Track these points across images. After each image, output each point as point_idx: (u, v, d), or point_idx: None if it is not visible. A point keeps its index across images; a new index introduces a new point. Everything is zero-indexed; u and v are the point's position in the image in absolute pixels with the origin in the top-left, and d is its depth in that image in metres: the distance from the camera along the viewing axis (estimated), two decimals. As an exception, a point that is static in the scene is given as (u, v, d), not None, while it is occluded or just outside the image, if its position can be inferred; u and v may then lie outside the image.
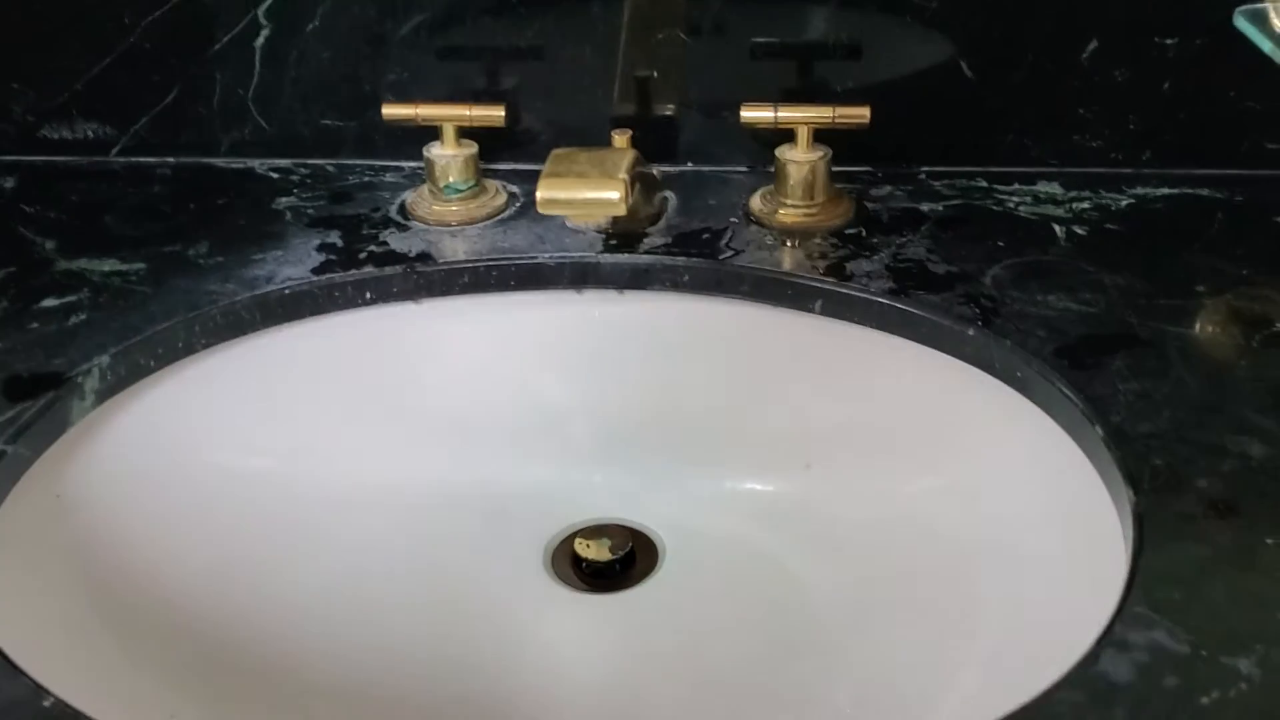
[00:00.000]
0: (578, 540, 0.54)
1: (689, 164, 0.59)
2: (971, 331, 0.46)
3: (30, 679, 0.32)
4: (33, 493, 0.43)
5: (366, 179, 0.60)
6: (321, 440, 0.53)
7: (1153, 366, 0.43)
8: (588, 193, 0.46)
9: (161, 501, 0.47)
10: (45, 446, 0.44)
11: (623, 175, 0.46)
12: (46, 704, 0.31)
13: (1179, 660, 0.32)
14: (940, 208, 0.55)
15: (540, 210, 0.47)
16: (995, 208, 0.55)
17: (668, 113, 0.59)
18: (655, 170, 0.56)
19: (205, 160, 0.62)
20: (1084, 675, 0.31)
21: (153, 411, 0.48)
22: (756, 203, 0.56)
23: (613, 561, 0.53)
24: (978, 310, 0.47)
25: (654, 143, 0.57)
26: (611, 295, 0.53)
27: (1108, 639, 0.32)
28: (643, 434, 0.55)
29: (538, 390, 0.55)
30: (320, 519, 0.51)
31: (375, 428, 0.54)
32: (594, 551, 0.53)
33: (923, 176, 0.58)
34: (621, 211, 0.46)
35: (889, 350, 0.49)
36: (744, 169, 0.59)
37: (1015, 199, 0.56)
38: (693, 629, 0.50)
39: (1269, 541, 0.35)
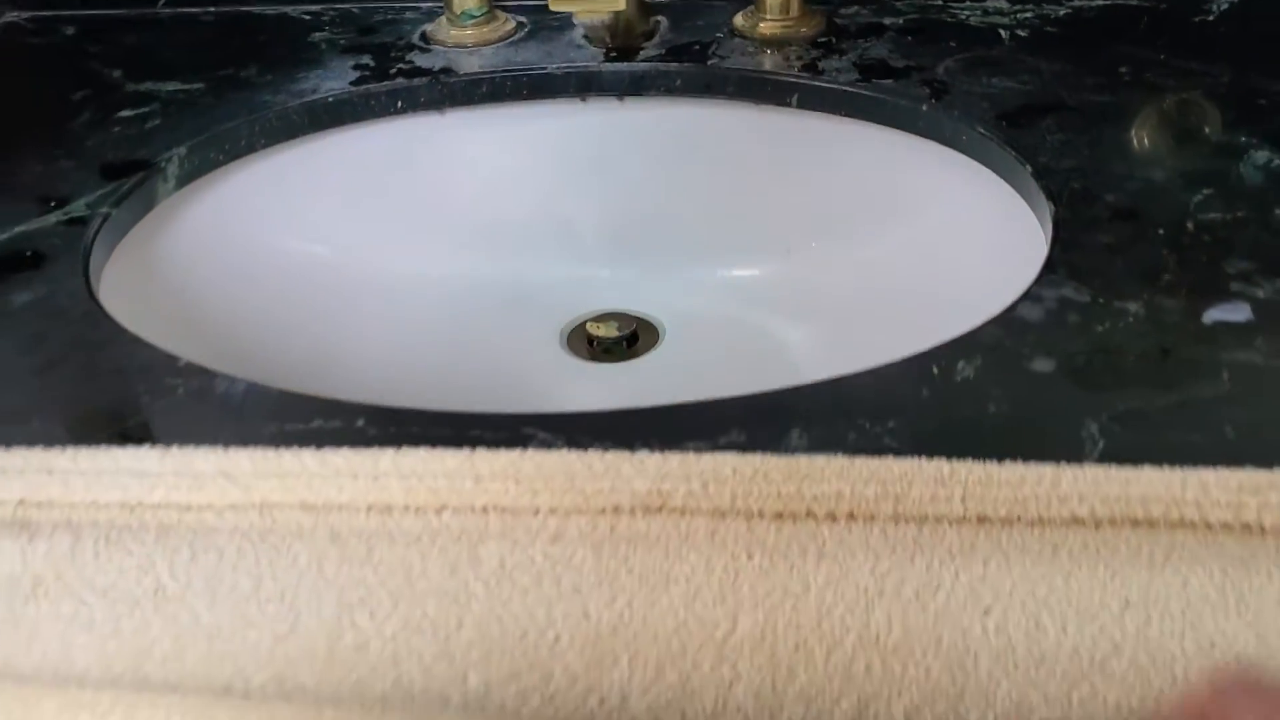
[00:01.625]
0: (589, 323, 0.62)
1: (679, -7, 0.67)
2: (925, 107, 0.54)
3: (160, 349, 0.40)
4: (129, 254, 0.50)
5: (389, 17, 0.67)
6: (362, 232, 0.60)
7: (1077, 124, 0.51)
8: (593, -8, 0.53)
9: (230, 273, 0.55)
10: (139, 217, 0.51)
11: (623, -23, 0.54)
12: (180, 364, 0.39)
13: (1080, 305, 0.40)
14: (900, 20, 0.63)
15: (552, 7, 0.54)
16: (949, 19, 0.63)
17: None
18: (648, -4, 0.64)
19: (243, 8, 0.69)
20: (1004, 318, 0.40)
21: (222, 198, 0.56)
22: (739, 20, 0.63)
23: (620, 339, 0.61)
24: (930, 91, 0.55)
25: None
26: (613, 103, 0.61)
27: (1024, 296, 0.40)
28: (644, 232, 0.63)
29: (550, 192, 0.63)
30: (361, 298, 0.59)
31: (409, 223, 0.61)
32: (603, 330, 0.61)
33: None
34: (621, 6, 0.53)
35: (855, 137, 0.57)
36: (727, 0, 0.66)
37: (966, 12, 0.63)
38: (689, 384, 0.58)
39: (1160, 232, 0.44)
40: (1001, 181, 0.51)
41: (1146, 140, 0.50)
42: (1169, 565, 0.29)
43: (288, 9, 0.69)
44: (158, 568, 0.31)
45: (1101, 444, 0.34)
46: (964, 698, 0.28)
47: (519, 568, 0.30)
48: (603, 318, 0.62)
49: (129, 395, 0.38)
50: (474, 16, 0.63)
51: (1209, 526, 0.30)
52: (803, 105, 0.58)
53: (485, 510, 0.32)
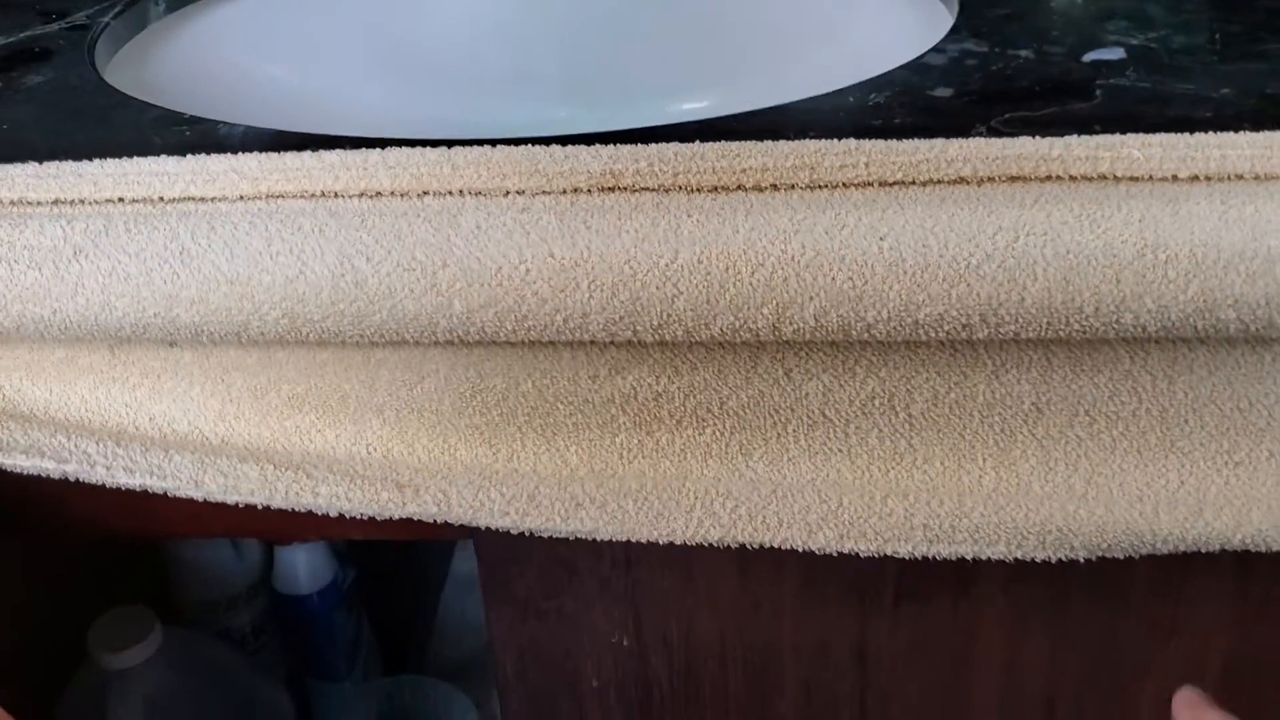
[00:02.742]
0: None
1: None
2: (851, -74, 0.60)
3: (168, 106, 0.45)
4: (123, 65, 0.55)
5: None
6: (333, 70, 0.65)
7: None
8: None
9: (210, 94, 0.60)
10: (133, 33, 0.56)
11: None
12: (186, 116, 0.44)
13: (979, 54, 0.46)
14: None
15: None
16: None
17: None
18: None
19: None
20: (912, 64, 0.45)
21: (207, 25, 0.60)
22: None
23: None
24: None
25: None
26: (569, -57, 0.66)
27: (930, 50, 0.46)
28: (600, 73, 0.68)
29: (511, 39, 0.67)
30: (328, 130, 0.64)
31: (378, 64, 0.66)
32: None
33: None
34: None
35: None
36: None
37: None
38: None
39: (1051, 4, 0.49)
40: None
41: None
42: (1036, 205, 0.35)
43: None
44: (181, 236, 0.36)
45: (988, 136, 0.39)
46: (862, 300, 0.34)
47: (493, 228, 0.36)
48: (565, 148, 0.67)
49: (145, 139, 0.43)
50: None
51: (1071, 178, 0.36)
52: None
53: (462, 193, 0.37)
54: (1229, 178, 0.35)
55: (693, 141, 0.39)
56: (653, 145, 0.38)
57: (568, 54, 0.68)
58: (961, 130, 0.40)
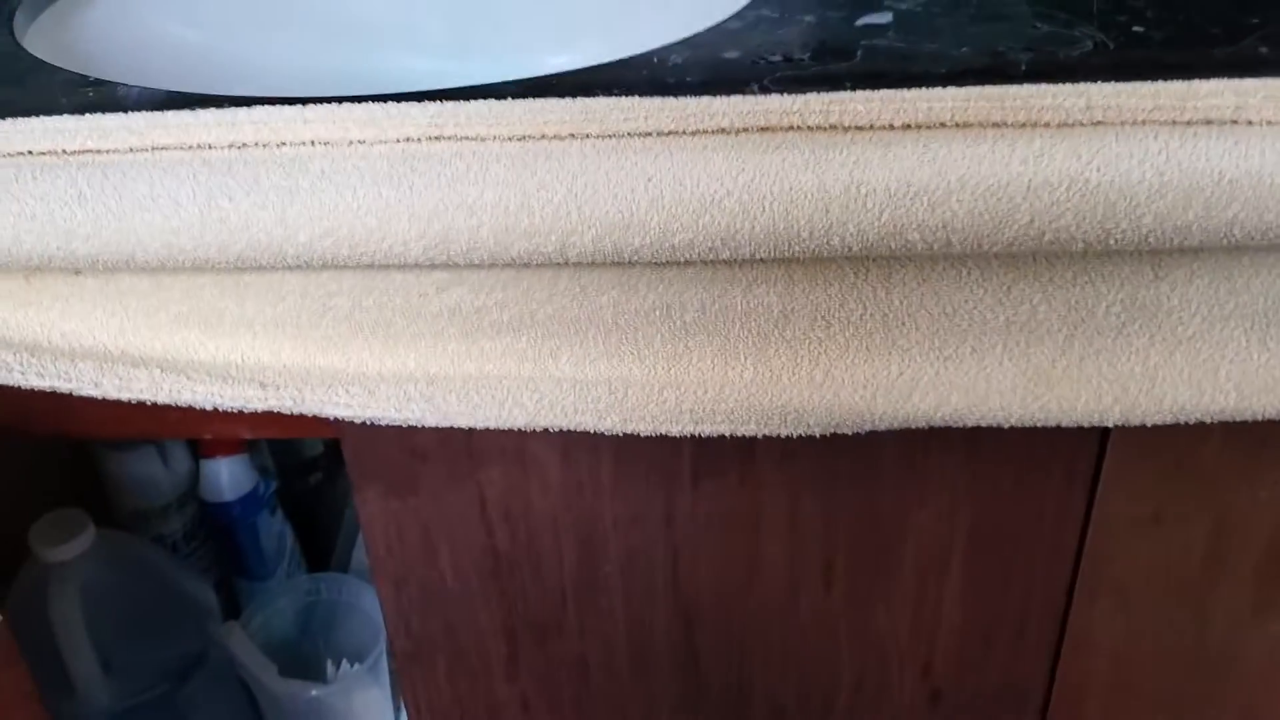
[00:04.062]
0: (441, 102, 0.74)
1: None
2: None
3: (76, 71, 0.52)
4: (42, 31, 0.62)
5: None
6: (239, 26, 0.72)
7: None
8: None
9: (126, 57, 0.66)
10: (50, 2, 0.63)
11: None
12: (90, 79, 0.51)
13: (771, 19, 0.53)
14: None
15: None
16: None
17: None
18: None
19: None
20: (715, 28, 0.53)
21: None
22: None
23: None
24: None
25: None
26: (450, -91, 0.72)
27: (731, 17, 0.54)
28: (486, 29, 0.75)
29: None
30: (231, 84, 0.71)
31: (281, 22, 0.73)
32: (453, 106, 0.73)
33: None
34: None
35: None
36: None
37: None
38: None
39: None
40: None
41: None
42: (776, 150, 0.43)
43: None
44: (79, 183, 0.43)
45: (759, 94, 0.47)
46: (629, 228, 0.42)
47: (335, 173, 0.43)
48: (451, 97, 0.74)
49: (53, 99, 0.50)
50: None
51: (809, 128, 0.44)
52: (604, -95, 0.70)
53: (312, 143, 0.45)
54: (933, 126, 0.43)
55: (514, 97, 0.46)
56: (473, 102, 0.46)
57: (457, 9, 0.75)
58: (738, 87, 0.48)
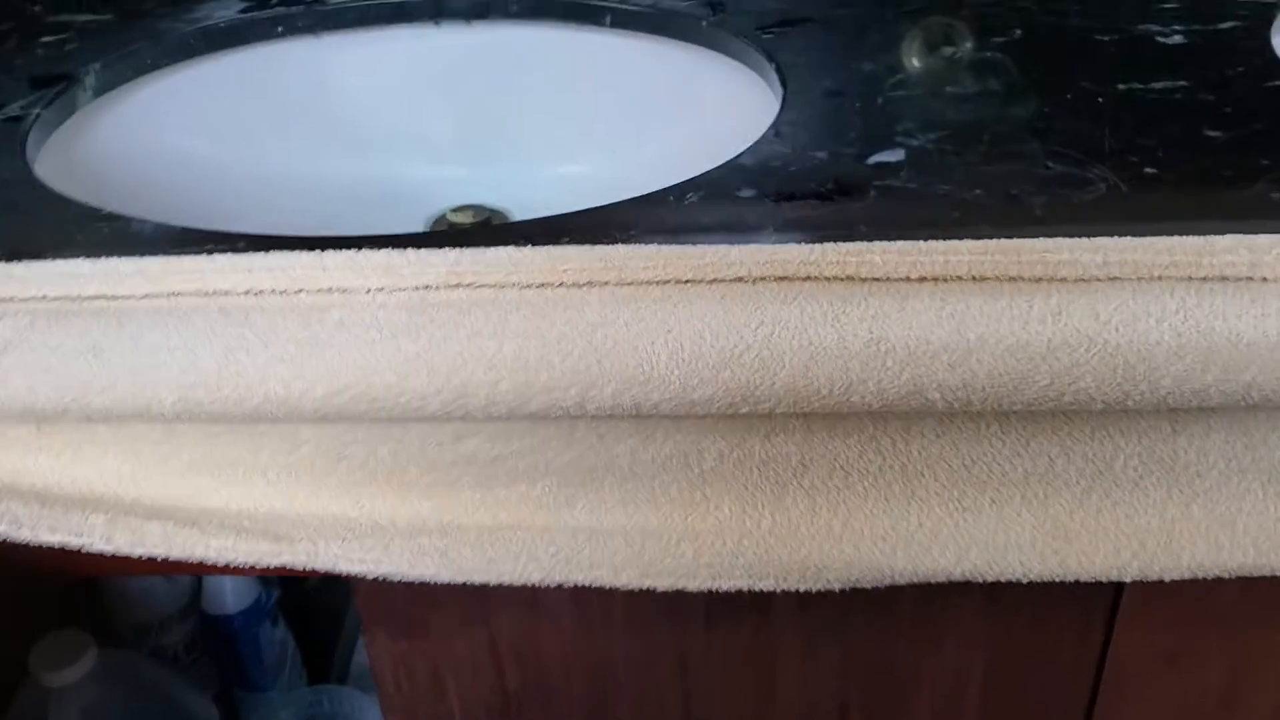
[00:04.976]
0: (449, 213, 0.75)
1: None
2: (705, 23, 0.68)
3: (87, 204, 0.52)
4: (56, 148, 0.62)
5: (273, -40, 0.79)
6: (249, 138, 0.72)
7: (816, 32, 0.65)
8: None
9: (138, 167, 0.67)
10: (64, 119, 0.63)
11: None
12: (103, 212, 0.51)
13: (783, 155, 0.54)
14: (699, -44, 0.77)
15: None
16: (738, -46, 0.76)
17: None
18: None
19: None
20: (728, 164, 0.53)
21: (132, 106, 0.67)
22: (566, -42, 0.76)
23: (477, 223, 0.74)
24: (711, 11, 0.69)
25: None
26: (462, 26, 0.73)
27: (745, 151, 0.54)
28: (492, 137, 0.76)
29: (412, 104, 0.75)
30: (247, 191, 0.71)
31: (291, 130, 0.73)
32: (461, 218, 0.74)
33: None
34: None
35: (655, 49, 0.71)
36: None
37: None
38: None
39: (857, 105, 0.58)
40: (755, 75, 0.64)
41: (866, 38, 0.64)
42: (793, 301, 0.43)
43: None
44: (94, 333, 0.43)
45: (774, 238, 0.47)
46: (650, 383, 0.42)
47: (353, 323, 0.43)
48: (461, 209, 0.75)
49: (65, 234, 0.50)
50: (342, -43, 0.75)
51: (825, 279, 0.44)
52: (614, 25, 0.71)
53: (330, 291, 0.45)
54: (950, 279, 0.44)
55: (533, 240, 0.47)
56: (491, 250, 0.46)
57: (464, 118, 0.76)
58: (755, 229, 0.48)
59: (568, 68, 0.73)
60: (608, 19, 0.71)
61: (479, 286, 0.45)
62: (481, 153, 0.76)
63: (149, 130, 0.68)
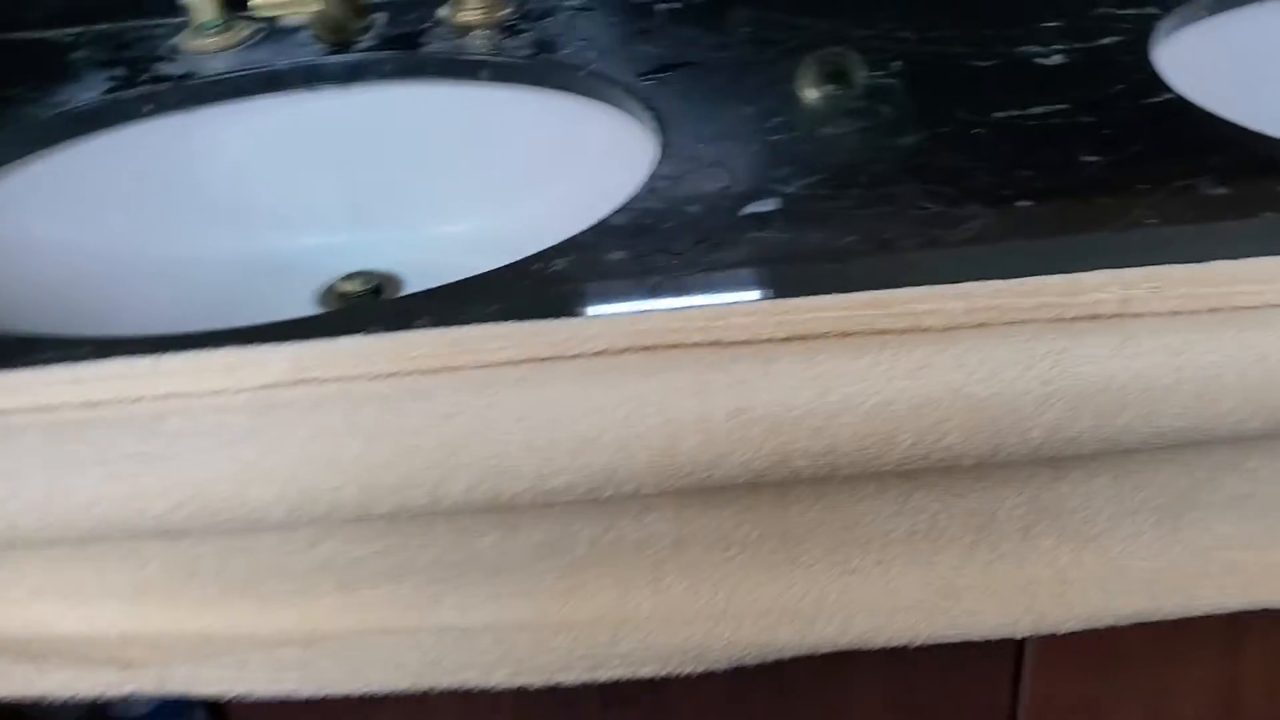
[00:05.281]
0: (339, 282, 0.72)
1: (397, -7, 0.78)
2: (582, 73, 0.66)
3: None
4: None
5: (141, 34, 0.77)
6: (126, 221, 0.70)
7: (697, 75, 0.64)
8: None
9: (5, 268, 0.64)
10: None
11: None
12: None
13: (656, 211, 0.52)
14: (577, 3, 0.75)
15: (257, 12, 0.65)
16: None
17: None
18: (366, -2, 0.74)
19: (9, 36, 0.78)
20: (598, 225, 0.51)
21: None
22: (444, 10, 0.74)
23: (366, 292, 0.71)
24: (590, 57, 0.67)
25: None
26: (338, 90, 0.71)
27: (617, 210, 0.52)
28: (377, 200, 0.73)
29: (293, 172, 0.73)
30: (130, 280, 0.68)
31: (168, 210, 0.71)
32: (351, 287, 0.71)
33: (570, -17, 0.77)
34: (318, 6, 0.64)
35: (533, 101, 0.69)
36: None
37: (635, -9, 0.76)
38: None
39: (735, 150, 0.56)
40: (637, 123, 0.63)
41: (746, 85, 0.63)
42: (658, 374, 0.41)
43: (49, 34, 0.78)
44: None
45: (643, 302, 0.46)
46: (503, 474, 0.39)
47: (191, 432, 0.41)
48: (350, 277, 0.72)
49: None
50: (213, 27, 0.73)
51: (692, 344, 0.42)
52: (493, 78, 0.69)
53: (168, 397, 0.42)
54: (816, 336, 0.42)
55: (387, 323, 0.45)
56: (339, 340, 0.44)
57: (346, 183, 0.74)
58: (626, 295, 0.46)
59: (449, 124, 0.72)
60: (485, 73, 0.70)
61: (324, 381, 0.43)
62: (369, 217, 0.73)
63: (12, 224, 0.66)
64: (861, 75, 0.63)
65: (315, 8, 0.64)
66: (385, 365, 0.42)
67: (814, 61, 0.65)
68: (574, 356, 0.43)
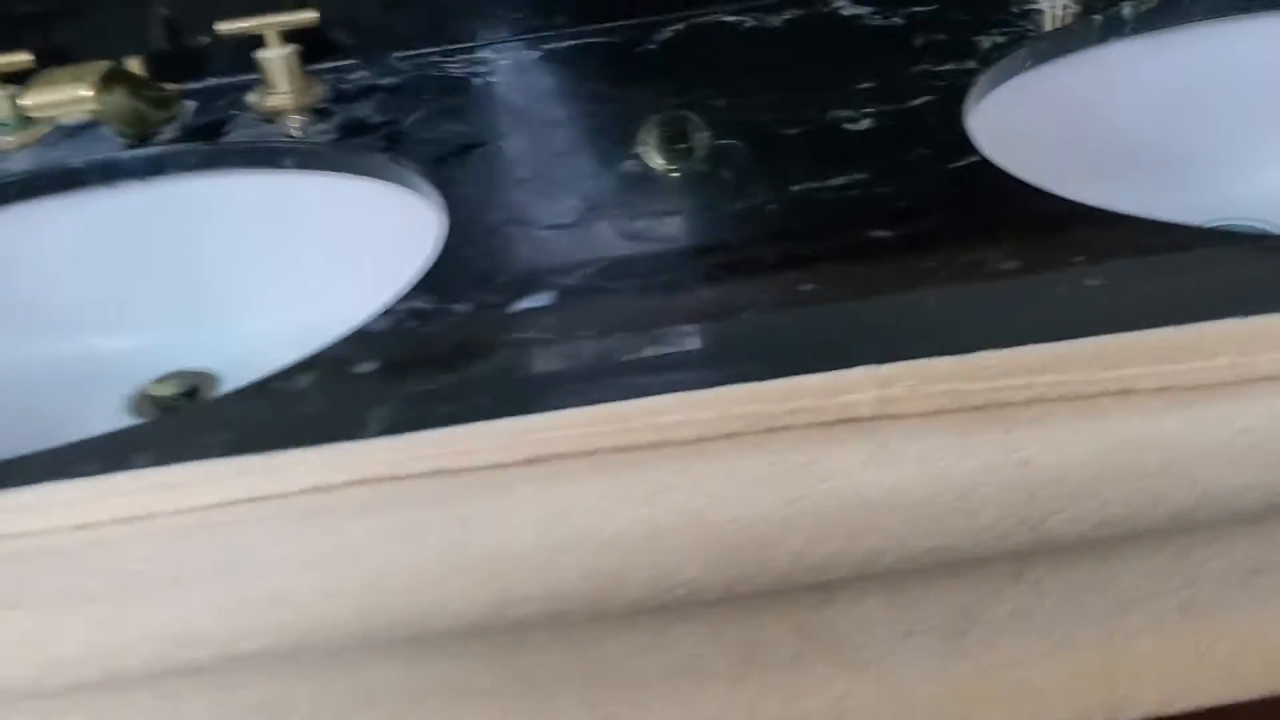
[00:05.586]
0: (150, 386, 0.68)
1: (208, 79, 0.74)
2: (379, 157, 0.63)
3: None
4: None
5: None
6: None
7: (493, 157, 0.60)
8: (60, 94, 0.60)
9: None
10: None
11: (91, 79, 0.60)
12: None
13: (424, 312, 0.48)
14: (396, 79, 0.72)
15: (27, 113, 0.61)
16: (436, 74, 0.72)
17: (190, 43, 0.73)
18: (171, 87, 0.70)
19: None
20: (354, 334, 0.47)
21: None
22: (252, 98, 0.71)
23: (179, 395, 0.67)
24: (390, 143, 0.64)
25: (180, 66, 0.72)
26: (138, 185, 0.67)
27: (381, 314, 0.49)
28: (186, 296, 0.69)
29: (95, 272, 0.69)
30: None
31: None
32: (162, 390, 0.67)
33: (392, 60, 0.74)
34: (95, 106, 0.60)
35: (335, 186, 0.65)
36: (255, 77, 0.73)
37: (455, 65, 0.72)
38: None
39: (518, 239, 0.52)
40: (432, 207, 0.59)
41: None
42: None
43: None
44: None
45: (382, 426, 0.42)
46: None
47: None
48: (163, 379, 0.68)
49: None
50: (6, 126, 0.69)
51: (472, 468, 0.38)
52: (297, 166, 0.66)
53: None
54: (550, 459, 0.38)
55: (92, 468, 0.40)
56: (28, 489, 0.39)
57: (154, 280, 0.70)
58: (360, 420, 0.42)
59: (254, 215, 0.68)
60: (288, 160, 0.66)
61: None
62: (179, 314, 0.69)
63: None
64: (647, 159, 0.59)
65: (92, 107, 0.60)
66: (75, 518, 0.38)
67: (603, 144, 0.62)
68: (285, 495, 0.39)
